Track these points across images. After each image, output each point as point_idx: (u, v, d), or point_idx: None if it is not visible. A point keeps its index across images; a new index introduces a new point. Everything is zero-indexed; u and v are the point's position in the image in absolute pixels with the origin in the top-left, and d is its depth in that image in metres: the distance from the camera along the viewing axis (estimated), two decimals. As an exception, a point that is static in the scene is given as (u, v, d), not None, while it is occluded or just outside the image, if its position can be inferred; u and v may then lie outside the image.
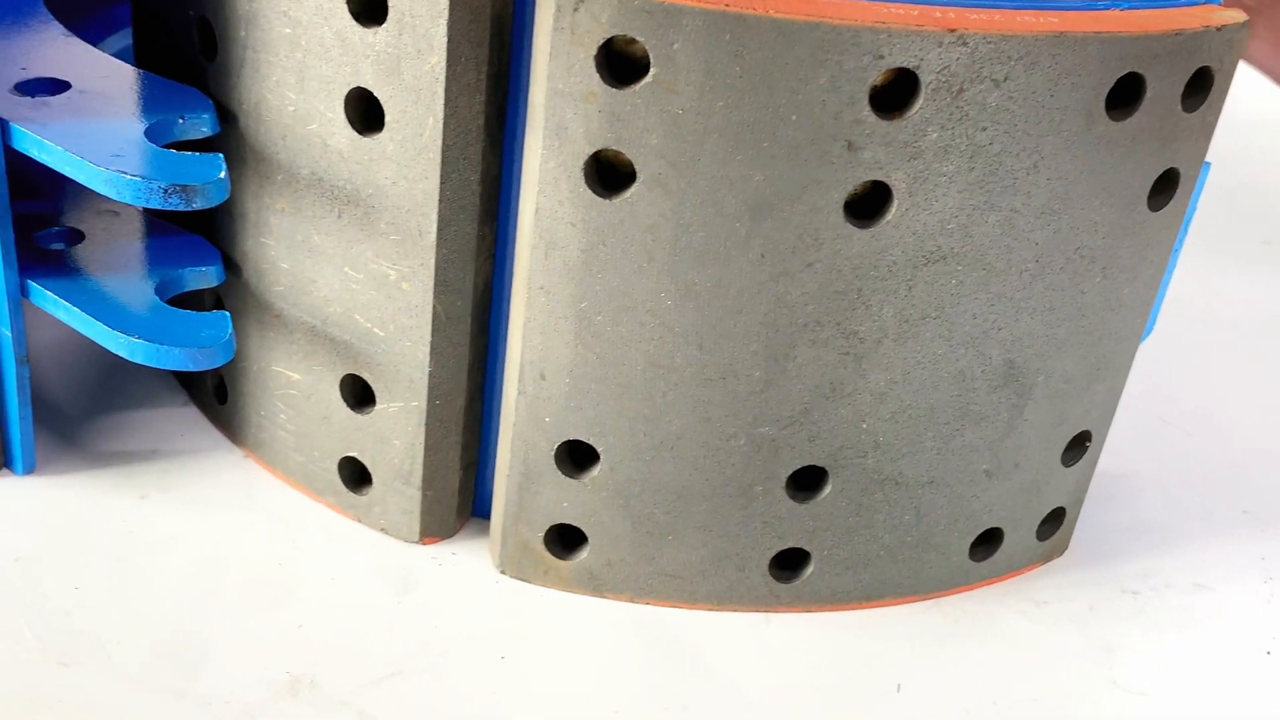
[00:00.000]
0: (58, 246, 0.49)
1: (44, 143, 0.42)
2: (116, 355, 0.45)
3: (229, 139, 0.47)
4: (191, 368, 0.44)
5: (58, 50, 0.49)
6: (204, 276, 0.48)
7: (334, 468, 0.50)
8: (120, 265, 0.48)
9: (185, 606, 0.46)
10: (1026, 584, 0.52)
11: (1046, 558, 0.54)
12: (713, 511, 0.47)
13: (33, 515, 0.48)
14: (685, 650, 0.47)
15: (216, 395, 0.54)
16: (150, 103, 0.46)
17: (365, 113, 0.43)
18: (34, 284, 0.46)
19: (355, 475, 0.50)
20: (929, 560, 0.50)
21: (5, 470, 0.50)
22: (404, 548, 0.49)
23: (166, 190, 0.41)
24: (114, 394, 0.55)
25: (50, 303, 0.46)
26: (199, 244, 0.50)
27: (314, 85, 0.43)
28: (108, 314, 0.45)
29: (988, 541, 0.51)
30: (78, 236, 0.49)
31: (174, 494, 0.51)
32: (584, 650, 0.46)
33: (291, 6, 0.42)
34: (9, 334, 0.47)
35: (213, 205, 0.42)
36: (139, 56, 0.53)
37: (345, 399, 0.48)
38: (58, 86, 0.46)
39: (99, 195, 0.51)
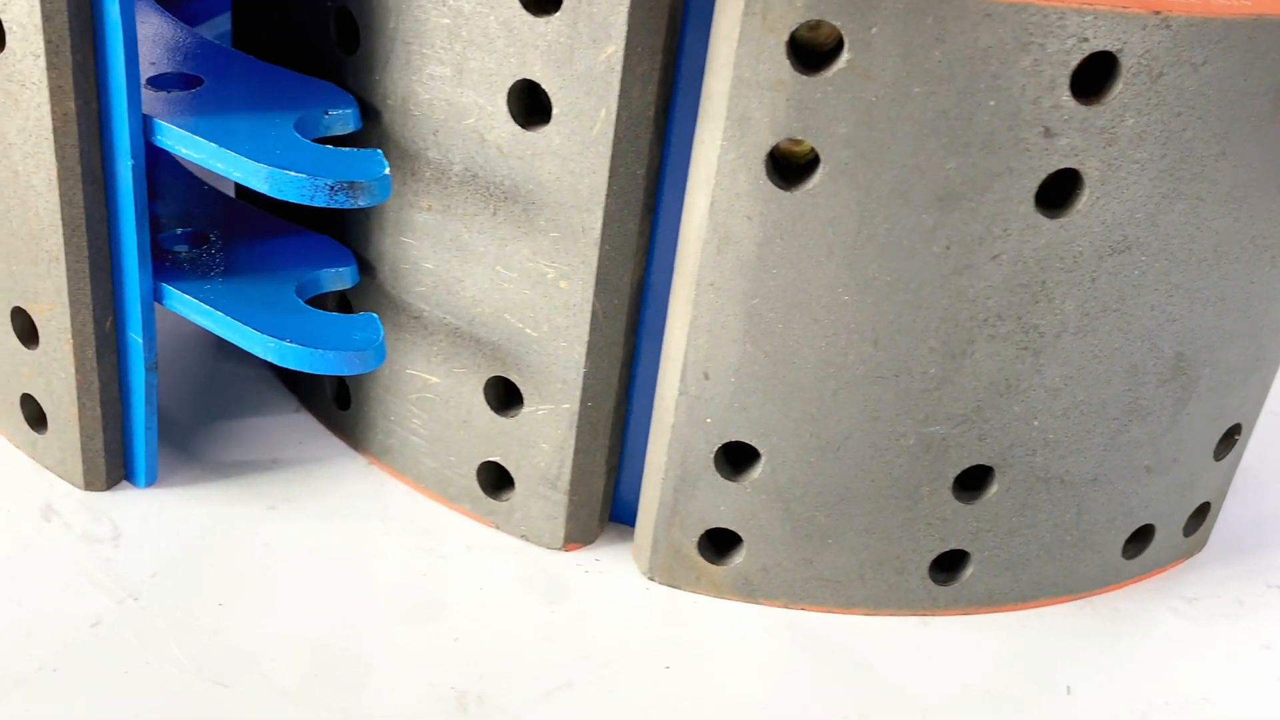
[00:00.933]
0: (181, 249, 0.47)
1: (193, 138, 0.41)
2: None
3: (370, 135, 0.45)
4: (345, 372, 0.42)
5: (180, 43, 0.47)
6: (339, 278, 0.47)
7: (472, 473, 0.48)
8: (252, 267, 0.46)
9: (336, 621, 0.44)
10: (1173, 581, 0.51)
11: (1189, 553, 0.53)
12: (876, 514, 0.45)
13: (163, 529, 0.46)
14: (848, 657, 0.45)
15: (337, 401, 0.52)
16: (288, 97, 0.44)
17: (527, 105, 0.42)
18: (168, 287, 0.44)
19: (495, 480, 0.49)
20: (1084, 559, 0.48)
21: (125, 483, 0.48)
22: (547, 555, 0.48)
23: (333, 187, 0.39)
24: (221, 401, 0.54)
25: (187, 306, 0.44)
26: (328, 244, 0.48)
27: (474, 78, 0.41)
28: (252, 317, 0.43)
29: (1139, 539, 0.50)
30: (201, 239, 0.47)
31: (302, 504, 0.49)
32: (747, 659, 0.45)
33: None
34: (140, 339, 0.45)
35: (377, 203, 0.40)
36: (239, 47, 0.51)
37: (489, 402, 0.47)
38: (188, 81, 0.44)
39: (215, 196, 0.50)
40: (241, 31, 0.52)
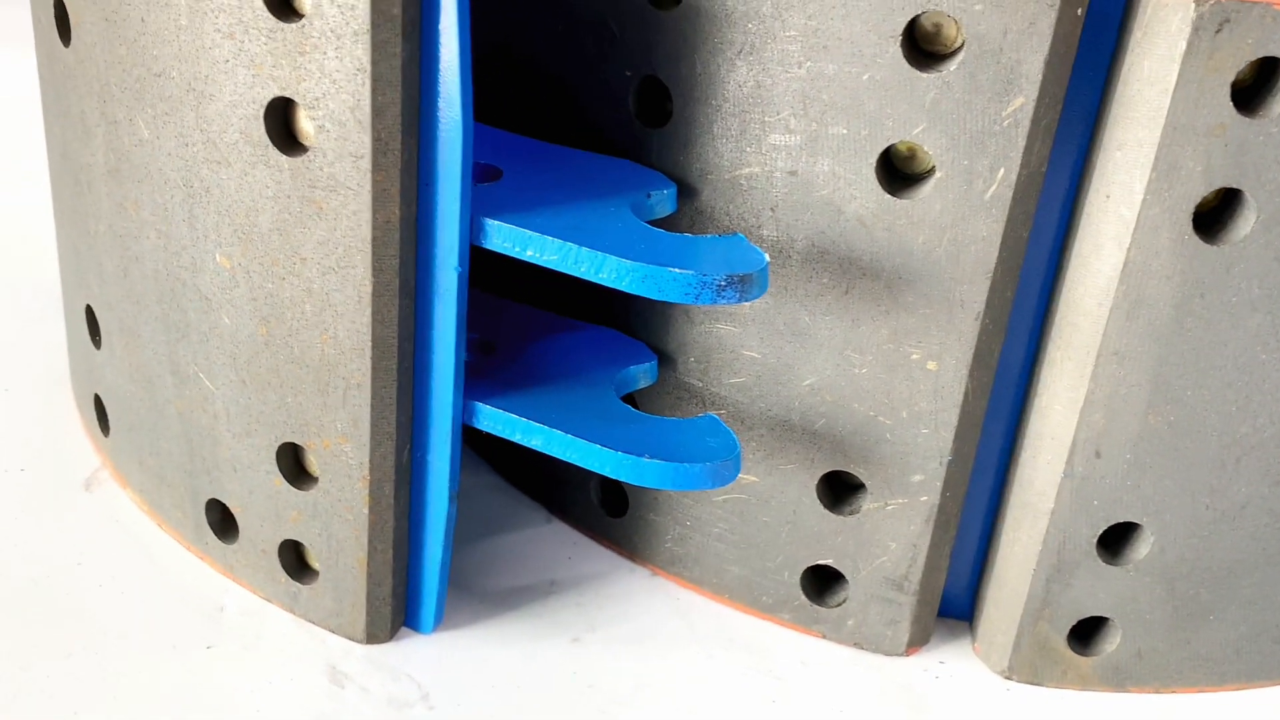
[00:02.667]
0: (471, 359, 0.41)
1: (540, 238, 0.35)
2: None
3: (683, 216, 0.40)
4: (708, 487, 0.37)
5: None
6: (645, 374, 0.41)
7: (796, 579, 0.43)
8: (554, 372, 0.41)
9: (706, 769, 0.38)
10: None
11: None
12: (1261, 584, 0.42)
13: (473, 682, 0.40)
14: (1243, 741, 0.42)
15: (606, 508, 0.47)
16: (601, 182, 0.39)
17: (891, 170, 0.37)
18: (480, 405, 0.39)
19: (820, 585, 0.44)
20: None
21: (405, 629, 0.42)
22: (889, 662, 0.43)
23: (721, 284, 0.34)
24: (463, 519, 0.48)
25: (504, 423, 0.38)
26: (618, 338, 0.42)
27: (832, 144, 0.37)
28: (587, 430, 0.38)
29: None
30: (488, 347, 0.41)
31: (605, 632, 0.43)
32: (1146, 757, 0.41)
33: (811, 55, 0.36)
34: (446, 467, 0.39)
35: (760, 295, 0.35)
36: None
37: (821, 500, 0.42)
38: (486, 172, 0.39)
39: (479, 297, 0.44)
40: (482, 107, 0.46)
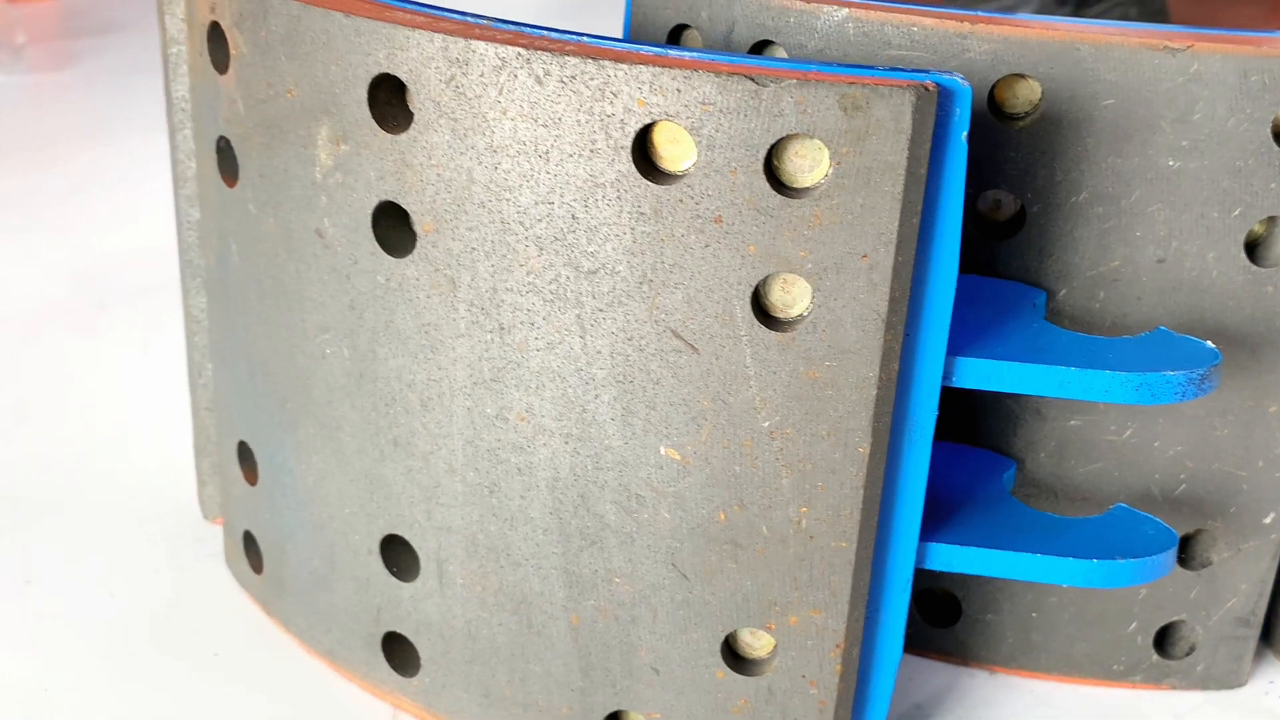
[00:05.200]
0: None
1: (1022, 368, 0.35)
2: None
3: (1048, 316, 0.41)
4: (1165, 573, 0.38)
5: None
6: (1010, 480, 0.42)
7: (1148, 641, 0.45)
8: (954, 498, 0.40)
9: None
10: None
11: None
12: None
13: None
14: None
15: (931, 621, 0.46)
16: (987, 300, 0.39)
17: (1250, 242, 0.40)
18: (935, 545, 0.38)
19: (1162, 639, 0.46)
20: None
21: (827, 791, 0.41)
22: (1235, 695, 0.45)
23: (1200, 379, 0.36)
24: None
25: (962, 559, 0.38)
26: (962, 451, 0.43)
27: (1200, 228, 0.39)
28: (1040, 546, 0.38)
29: None
30: (869, 482, 0.41)
31: (997, 739, 0.43)
32: None
33: (1178, 154, 0.38)
34: (902, 614, 0.38)
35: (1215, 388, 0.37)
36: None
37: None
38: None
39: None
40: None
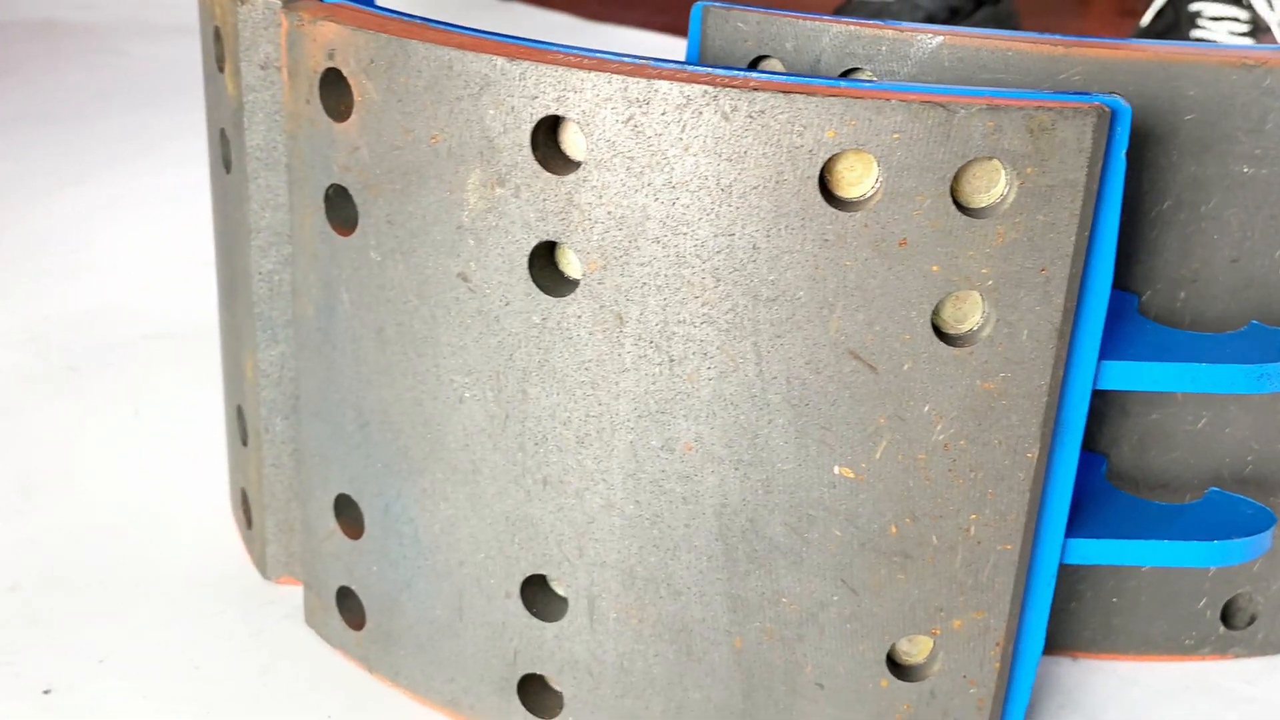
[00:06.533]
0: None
1: (1161, 368, 0.38)
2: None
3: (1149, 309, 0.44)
4: (1254, 556, 0.41)
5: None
6: (1105, 473, 0.44)
7: (1216, 615, 0.48)
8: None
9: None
10: None
11: None
12: None
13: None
14: None
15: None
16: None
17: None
18: (1075, 540, 0.40)
19: (1223, 610, 0.49)
20: None
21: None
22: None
23: (1301, 367, 0.39)
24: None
25: (1103, 551, 0.40)
26: (1052, 449, 0.45)
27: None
28: (1159, 530, 0.41)
29: None
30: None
31: (1085, 716, 0.46)
32: None
33: None
34: (1047, 605, 0.39)
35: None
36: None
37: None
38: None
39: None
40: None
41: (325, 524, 0.45)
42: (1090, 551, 0.40)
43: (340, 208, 0.41)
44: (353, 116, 0.39)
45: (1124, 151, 0.35)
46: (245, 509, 0.51)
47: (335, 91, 0.39)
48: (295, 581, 0.50)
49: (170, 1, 1.56)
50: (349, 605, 0.46)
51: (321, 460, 0.44)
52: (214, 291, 0.77)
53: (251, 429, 0.49)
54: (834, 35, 0.44)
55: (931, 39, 0.42)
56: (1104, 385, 0.38)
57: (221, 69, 0.45)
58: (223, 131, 0.46)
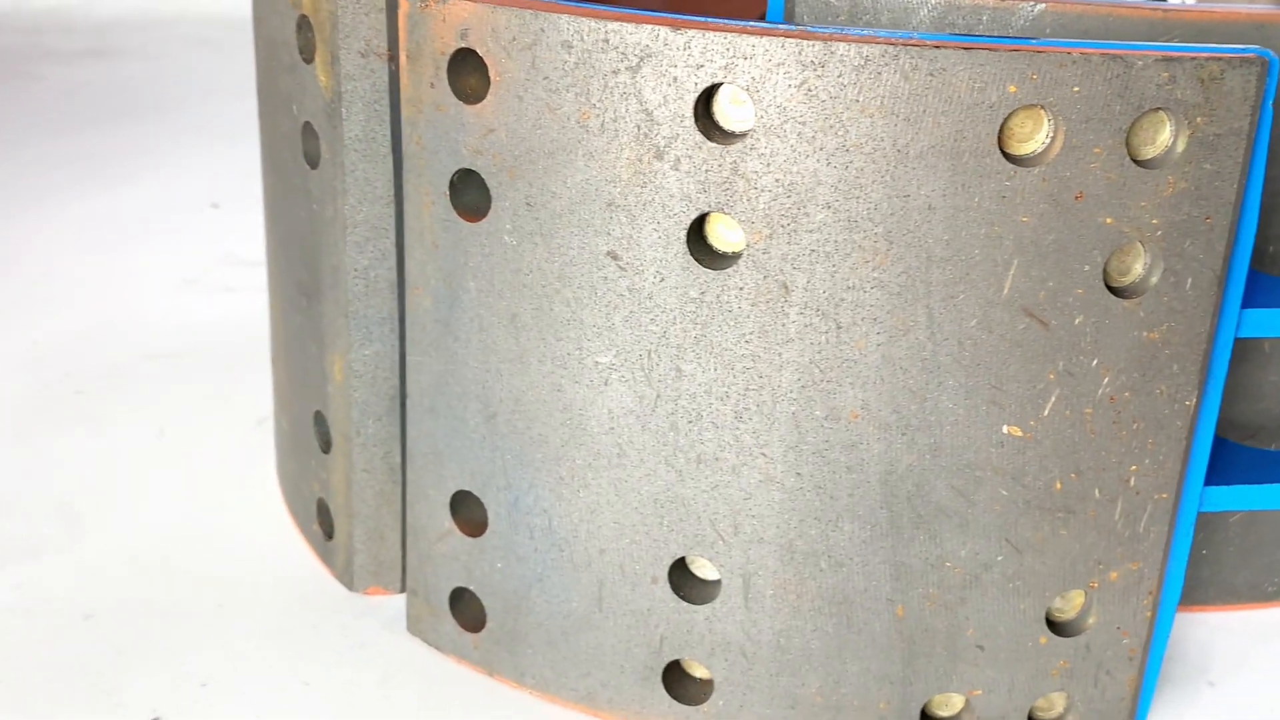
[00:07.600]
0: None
1: (1292, 311, 0.39)
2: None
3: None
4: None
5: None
6: (1205, 427, 0.45)
7: (1299, 562, 0.50)
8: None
9: None
10: None
11: None
12: None
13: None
14: None
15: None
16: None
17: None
18: (1212, 488, 0.41)
19: (1309, 559, 0.50)
20: None
21: (1104, 741, 0.42)
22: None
23: None
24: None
25: (1240, 497, 0.41)
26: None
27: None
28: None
29: None
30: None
31: (1181, 671, 0.46)
32: None
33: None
34: (1185, 554, 0.40)
35: None
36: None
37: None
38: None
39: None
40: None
41: (439, 525, 0.44)
42: (1222, 498, 0.41)
43: (468, 193, 0.39)
44: (488, 98, 0.38)
45: (1272, 102, 0.36)
46: (323, 520, 0.50)
47: (467, 73, 0.38)
48: (384, 591, 0.48)
49: (72, 26, 1.50)
50: (463, 608, 0.44)
51: (435, 458, 0.43)
52: (201, 312, 0.74)
53: (337, 435, 0.47)
54: (932, 6, 0.44)
55: (1034, 6, 0.43)
56: (1244, 333, 0.39)
57: (309, 60, 0.43)
58: (307, 125, 0.44)
